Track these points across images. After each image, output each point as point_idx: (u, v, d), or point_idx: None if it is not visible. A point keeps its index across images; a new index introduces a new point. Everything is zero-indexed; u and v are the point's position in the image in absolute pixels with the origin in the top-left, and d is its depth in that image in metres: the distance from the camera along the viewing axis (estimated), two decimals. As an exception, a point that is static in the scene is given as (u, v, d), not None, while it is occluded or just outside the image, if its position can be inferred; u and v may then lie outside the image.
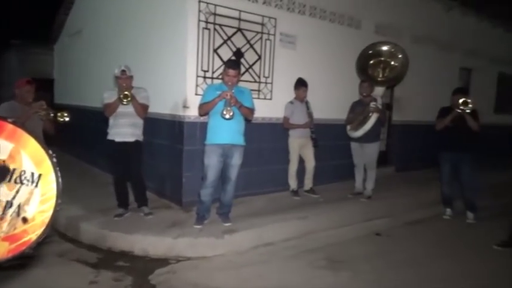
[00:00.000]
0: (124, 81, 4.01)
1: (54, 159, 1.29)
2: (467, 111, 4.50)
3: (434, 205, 5.55)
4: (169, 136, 4.75)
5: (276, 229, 4.14)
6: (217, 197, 4.20)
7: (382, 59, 4.90)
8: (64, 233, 3.99)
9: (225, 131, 3.84)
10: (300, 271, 3.42)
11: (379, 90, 5.11)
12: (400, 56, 4.89)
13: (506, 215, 5.04)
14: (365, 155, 5.26)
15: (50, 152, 1.29)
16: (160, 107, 4.71)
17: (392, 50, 4.89)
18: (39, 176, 1.26)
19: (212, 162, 3.89)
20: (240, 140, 3.95)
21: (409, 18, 6.99)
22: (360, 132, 4.95)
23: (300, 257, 3.71)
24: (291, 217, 4.40)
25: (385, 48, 4.93)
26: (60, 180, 1.29)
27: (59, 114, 3.79)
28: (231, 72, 3.78)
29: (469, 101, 4.50)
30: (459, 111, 4.55)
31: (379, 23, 6.47)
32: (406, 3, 6.96)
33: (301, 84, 5.07)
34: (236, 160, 3.94)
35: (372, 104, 4.85)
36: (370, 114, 4.88)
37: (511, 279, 3.42)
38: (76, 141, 7.59)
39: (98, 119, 5.90)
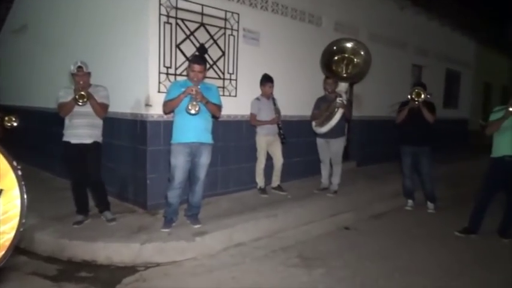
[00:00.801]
0: (81, 78, 3.75)
1: (19, 172, 1.09)
2: (418, 100, 4.66)
3: (396, 197, 5.74)
4: (131, 136, 4.51)
5: (246, 229, 4.05)
6: (184, 199, 4.04)
7: (346, 55, 4.95)
8: (16, 244, 3.64)
9: (192, 129, 3.69)
10: (274, 271, 3.36)
11: (342, 86, 5.17)
12: (362, 53, 4.96)
13: (462, 204, 5.32)
14: (331, 151, 5.31)
15: (15, 163, 1.09)
16: (120, 105, 4.45)
17: (356, 47, 4.95)
18: (0, 191, 1.06)
19: (179, 163, 3.72)
20: (207, 138, 3.81)
21: (366, 16, 7.16)
22: (325, 128, 4.98)
23: (272, 256, 3.65)
24: (260, 216, 4.33)
25: (348, 44, 4.98)
26: (25, 196, 1.07)
27: (6, 118, 3.46)
28: (197, 67, 3.65)
29: (421, 92, 4.68)
30: (411, 99, 4.71)
31: (339, 20, 6.57)
32: (363, 1, 7.12)
33: (267, 80, 5.01)
34: (205, 159, 3.80)
35: (338, 100, 4.90)
36: (336, 110, 4.92)
37: (475, 263, 3.57)
38: (23, 144, 7.03)
39: (49, 119, 5.52)
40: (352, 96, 7.37)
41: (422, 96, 4.65)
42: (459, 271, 3.43)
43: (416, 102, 4.71)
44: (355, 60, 5.01)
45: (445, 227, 4.53)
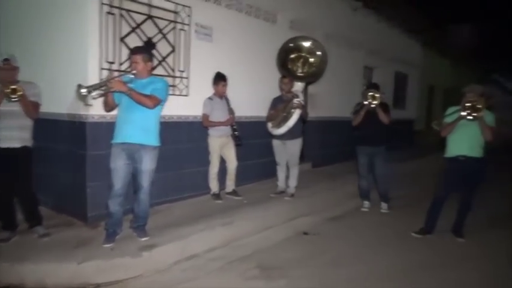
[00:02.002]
0: (7, 72, 3.27)
1: None
2: (375, 103, 4.69)
3: (352, 198, 5.70)
4: (67, 140, 4.01)
5: (200, 239, 3.74)
6: (129, 208, 3.65)
7: (303, 54, 4.78)
8: None
9: (129, 127, 3.32)
10: (232, 285, 3.09)
11: (299, 86, 5.00)
12: (319, 53, 4.82)
13: (415, 203, 5.38)
14: (287, 152, 5.13)
15: None
16: (55, 105, 3.95)
17: (312, 46, 4.80)
18: None
19: (118, 166, 3.35)
20: (149, 139, 3.41)
21: (321, 16, 7.09)
22: (283, 129, 4.78)
23: (229, 268, 3.38)
24: (215, 224, 4.04)
25: (305, 43, 4.81)
26: None
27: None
28: (133, 57, 3.34)
29: (376, 95, 4.69)
30: (367, 103, 4.72)
31: (294, 18, 6.42)
32: (318, 0, 7.05)
33: (220, 78, 4.72)
34: (146, 165, 3.41)
35: (296, 101, 4.73)
36: (293, 111, 4.74)
37: (436, 264, 3.54)
38: None
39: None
40: (307, 97, 7.28)
41: (378, 99, 4.67)
42: (422, 274, 3.36)
43: (373, 105, 4.69)
44: (311, 59, 4.86)
45: (402, 228, 4.50)
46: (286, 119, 4.77)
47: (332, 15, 7.46)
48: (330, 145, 7.72)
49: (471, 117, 3.84)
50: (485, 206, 5.08)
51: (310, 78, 5.20)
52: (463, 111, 3.87)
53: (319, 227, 4.57)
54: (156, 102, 3.32)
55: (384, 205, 5.27)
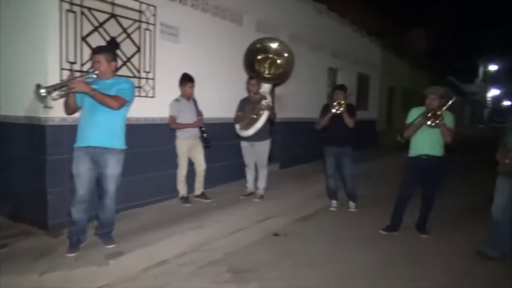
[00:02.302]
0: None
1: None
2: (341, 110, 4.80)
3: (319, 198, 5.78)
4: (25, 144, 3.79)
5: (169, 244, 3.65)
6: (94, 214, 3.50)
7: (270, 55, 4.80)
8: None
9: (93, 130, 3.19)
10: (204, 290, 3.04)
11: (266, 87, 5.01)
12: (286, 54, 4.85)
13: (381, 201, 5.53)
14: (256, 154, 5.12)
15: None
16: (11, 108, 3.74)
17: (279, 48, 4.82)
18: None
19: (81, 171, 3.21)
20: (114, 142, 3.28)
21: (286, 18, 7.16)
22: (251, 131, 4.77)
23: (200, 273, 3.31)
24: (184, 228, 3.96)
25: (272, 44, 4.83)
26: None
27: None
28: (95, 57, 3.21)
29: (342, 102, 4.82)
30: (334, 111, 4.83)
31: (260, 20, 6.44)
32: (284, 2, 7.11)
33: (187, 79, 4.64)
34: (112, 169, 3.28)
35: (264, 102, 4.73)
36: (261, 112, 4.74)
37: (406, 261, 3.64)
38: None
39: None
40: (274, 98, 7.32)
41: (343, 106, 4.79)
42: (392, 271, 3.44)
43: (338, 112, 4.81)
44: (279, 61, 4.89)
45: (370, 226, 4.61)
46: (254, 120, 4.76)
47: (297, 17, 7.56)
48: (297, 146, 7.80)
49: (434, 124, 4.02)
50: (446, 203, 5.31)
51: (277, 80, 5.23)
52: (426, 120, 4.04)
53: (289, 227, 4.59)
54: (121, 103, 3.19)
55: (351, 204, 5.37)
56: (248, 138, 5.00)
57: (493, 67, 43.33)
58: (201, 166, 4.87)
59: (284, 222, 4.75)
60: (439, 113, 3.98)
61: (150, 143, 4.58)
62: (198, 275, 3.26)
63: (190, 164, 4.85)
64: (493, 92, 50.66)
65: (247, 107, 4.94)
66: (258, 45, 4.81)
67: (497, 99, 56.83)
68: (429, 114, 4.02)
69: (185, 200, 4.79)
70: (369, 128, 11.89)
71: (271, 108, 4.80)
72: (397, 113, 15.01)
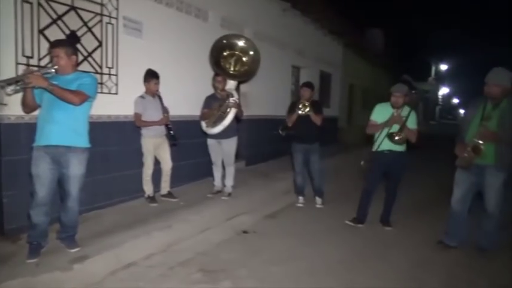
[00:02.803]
0: None
1: None
2: (306, 111, 4.97)
3: (286, 194, 5.85)
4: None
5: (137, 246, 3.54)
6: (56, 217, 3.32)
7: (236, 53, 4.75)
8: None
9: (54, 128, 3.03)
10: (174, 291, 2.97)
11: (231, 84, 4.96)
12: (251, 52, 4.81)
13: (346, 196, 5.68)
14: (223, 152, 5.08)
15: None
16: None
17: (245, 45, 4.78)
18: None
19: (41, 171, 3.04)
20: (77, 141, 3.13)
21: (251, 15, 7.15)
22: (219, 128, 4.71)
23: (170, 274, 3.24)
24: (151, 229, 3.84)
25: (238, 42, 4.78)
26: None
27: None
28: (54, 51, 3.06)
29: (306, 104, 4.98)
30: (300, 112, 4.98)
31: (225, 16, 6.38)
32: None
33: (151, 76, 4.50)
34: (75, 169, 3.13)
35: (232, 100, 4.69)
36: (229, 110, 4.70)
37: (372, 255, 3.76)
38: None
39: None
40: (239, 95, 7.29)
41: (309, 107, 4.96)
42: (358, 264, 3.54)
43: (303, 113, 4.96)
44: (244, 59, 4.84)
45: (336, 221, 4.72)
46: (221, 118, 4.71)
47: (262, 15, 7.56)
48: (262, 143, 7.82)
49: (398, 129, 4.24)
50: (408, 196, 5.54)
51: (242, 77, 5.18)
52: (389, 125, 4.27)
53: (258, 224, 4.60)
54: (82, 98, 3.03)
55: (318, 200, 5.46)
56: (215, 136, 4.94)
57: (443, 66, 45.70)
58: (167, 165, 4.76)
59: (253, 219, 4.76)
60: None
61: (113, 141, 4.42)
62: (168, 276, 3.19)
63: (156, 162, 4.73)
64: (444, 90, 53.47)
65: (214, 104, 4.88)
66: (225, 41, 4.75)
67: (447, 97, 60.18)
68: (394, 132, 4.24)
69: (151, 199, 4.66)
70: (331, 125, 12.15)
71: (238, 106, 4.77)
72: (357, 111, 15.48)
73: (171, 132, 4.56)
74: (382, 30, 16.65)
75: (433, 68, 41.13)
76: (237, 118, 5.02)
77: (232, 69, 4.83)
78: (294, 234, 4.32)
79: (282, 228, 4.53)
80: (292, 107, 5.20)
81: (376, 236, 4.33)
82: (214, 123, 4.81)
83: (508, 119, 3.48)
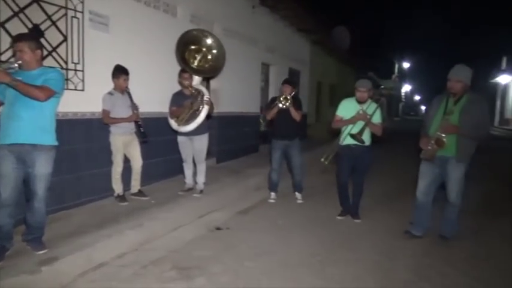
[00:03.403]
0: None
1: None
2: (287, 104, 4.96)
3: (258, 190, 5.89)
4: None
5: (107, 246, 3.46)
6: (21, 218, 3.20)
7: (204, 49, 4.70)
8: None
9: (18, 126, 2.93)
10: (149, 290, 2.93)
11: (196, 80, 4.91)
12: (214, 51, 4.75)
13: (318, 191, 5.79)
14: (194, 149, 5.05)
15: None
16: None
17: (211, 43, 4.73)
18: None
19: (5, 171, 2.94)
20: (43, 139, 3.04)
21: (221, 11, 7.11)
22: (192, 126, 4.67)
23: (144, 273, 3.19)
24: (122, 228, 3.77)
25: (205, 38, 4.72)
26: None
27: None
28: (17, 45, 2.96)
29: (288, 98, 4.98)
30: (281, 105, 4.97)
31: (194, 12, 6.32)
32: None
33: (120, 71, 4.40)
34: (41, 169, 3.04)
35: (206, 97, 4.66)
36: (201, 107, 4.67)
37: (343, 247, 3.84)
38: None
39: None
40: (209, 92, 7.25)
41: (290, 101, 4.95)
42: (330, 257, 3.62)
43: (284, 106, 4.96)
44: (209, 56, 4.79)
45: (308, 215, 4.81)
46: (194, 115, 4.67)
47: (231, 11, 7.55)
48: (232, 140, 7.82)
49: (360, 129, 4.37)
50: (375, 188, 5.72)
51: (206, 73, 5.12)
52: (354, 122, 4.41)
53: (230, 221, 4.60)
54: (48, 93, 2.93)
55: (298, 195, 5.49)
56: (186, 133, 4.89)
57: (406, 64, 47.37)
58: (137, 163, 4.68)
59: (225, 215, 4.76)
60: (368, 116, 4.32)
61: (80, 139, 4.29)
62: (141, 275, 3.14)
63: (126, 160, 4.64)
64: (406, 88, 55.44)
65: (185, 102, 4.82)
66: (195, 32, 4.69)
67: (410, 94, 62.42)
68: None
69: (121, 198, 4.56)
70: (301, 122, 12.29)
71: (211, 103, 4.74)
72: (325, 107, 15.77)
73: (141, 129, 4.48)
74: (348, 28, 17.02)
75: (396, 66, 42.53)
76: (208, 115, 4.99)
77: (195, 64, 4.76)
78: (266, 229, 4.36)
79: (256, 223, 4.56)
80: (272, 102, 5.23)
81: (346, 229, 4.45)
82: (187, 121, 4.76)
83: (469, 113, 3.67)
